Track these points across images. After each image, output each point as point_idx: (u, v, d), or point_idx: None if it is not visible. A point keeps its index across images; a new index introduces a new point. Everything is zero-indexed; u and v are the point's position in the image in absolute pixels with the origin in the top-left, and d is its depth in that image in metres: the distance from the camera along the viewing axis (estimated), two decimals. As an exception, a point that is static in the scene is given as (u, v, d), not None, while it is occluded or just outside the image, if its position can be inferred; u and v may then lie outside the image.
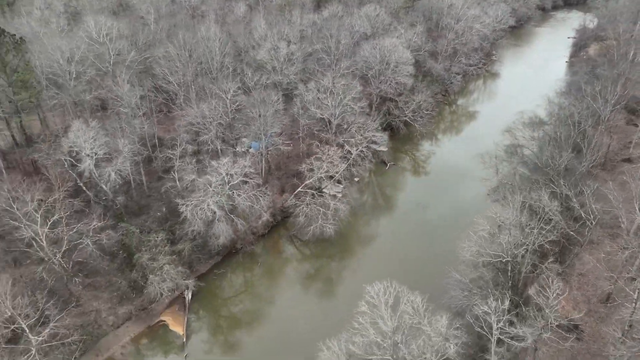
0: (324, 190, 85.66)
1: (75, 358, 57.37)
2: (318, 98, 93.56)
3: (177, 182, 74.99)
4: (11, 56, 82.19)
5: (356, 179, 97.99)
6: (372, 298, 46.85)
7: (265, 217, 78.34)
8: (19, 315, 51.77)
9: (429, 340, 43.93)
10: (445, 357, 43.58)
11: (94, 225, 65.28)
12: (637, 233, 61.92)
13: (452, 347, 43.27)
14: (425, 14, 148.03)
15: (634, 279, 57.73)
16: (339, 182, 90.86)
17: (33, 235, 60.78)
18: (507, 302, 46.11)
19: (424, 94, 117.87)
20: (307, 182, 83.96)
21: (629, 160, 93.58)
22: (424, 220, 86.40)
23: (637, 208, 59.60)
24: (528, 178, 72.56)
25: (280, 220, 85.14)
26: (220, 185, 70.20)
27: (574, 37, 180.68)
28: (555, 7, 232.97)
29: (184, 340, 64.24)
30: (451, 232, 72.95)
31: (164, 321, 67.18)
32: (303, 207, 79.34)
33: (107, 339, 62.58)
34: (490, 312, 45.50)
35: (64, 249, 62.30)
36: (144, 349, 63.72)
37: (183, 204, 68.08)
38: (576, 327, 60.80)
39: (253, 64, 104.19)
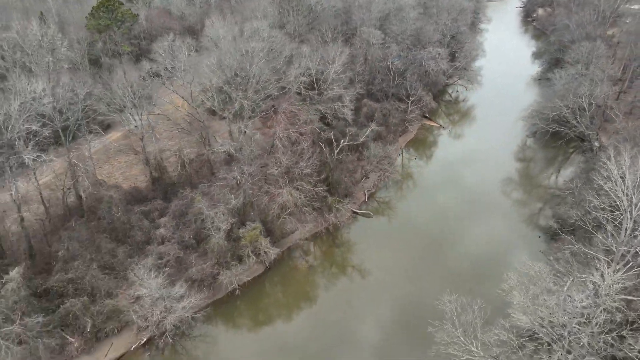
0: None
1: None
2: (436, 23, 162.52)
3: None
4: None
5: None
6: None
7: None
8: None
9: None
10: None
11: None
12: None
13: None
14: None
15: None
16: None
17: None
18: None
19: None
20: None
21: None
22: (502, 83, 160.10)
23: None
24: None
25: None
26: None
27: (521, 7, 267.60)
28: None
29: (442, 126, 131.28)
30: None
31: (425, 124, 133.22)
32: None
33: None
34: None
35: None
36: (424, 131, 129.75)
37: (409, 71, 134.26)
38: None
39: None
